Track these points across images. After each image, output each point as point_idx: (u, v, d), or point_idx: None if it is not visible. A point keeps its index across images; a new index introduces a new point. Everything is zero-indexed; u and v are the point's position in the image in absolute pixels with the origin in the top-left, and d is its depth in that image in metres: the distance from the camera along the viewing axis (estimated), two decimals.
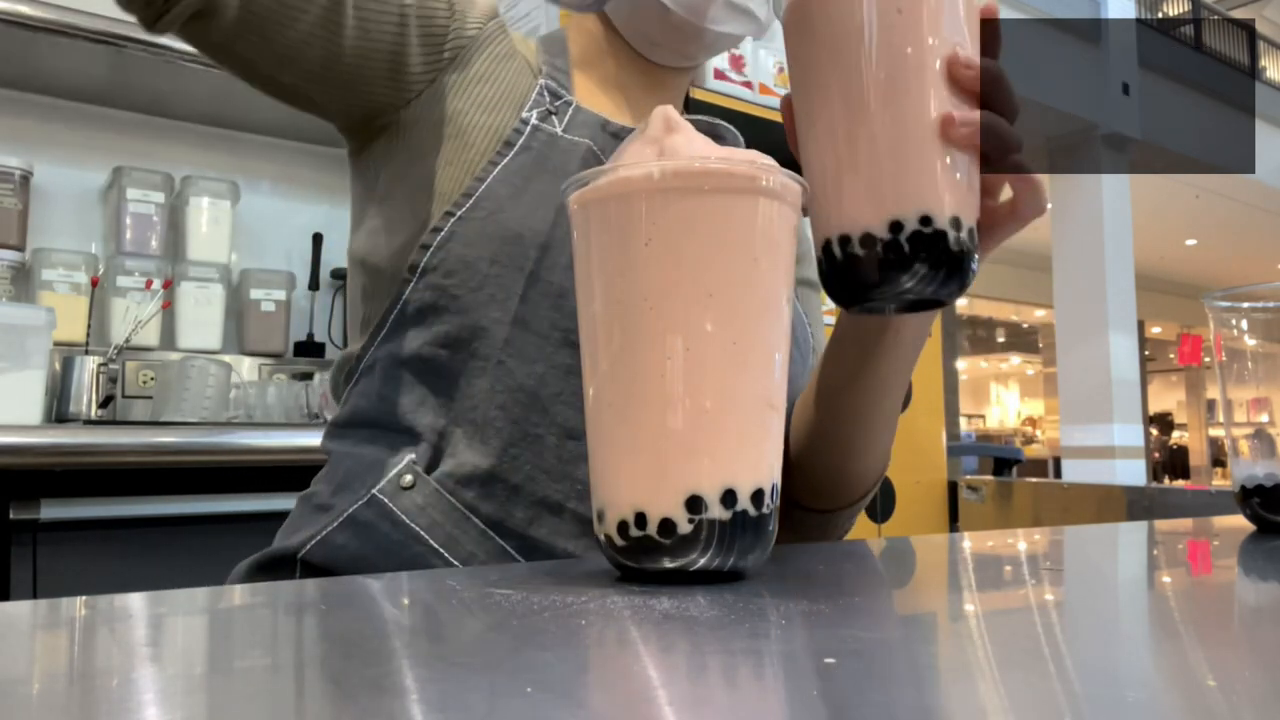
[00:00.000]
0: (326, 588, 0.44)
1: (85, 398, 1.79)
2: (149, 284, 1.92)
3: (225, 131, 2.13)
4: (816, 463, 0.69)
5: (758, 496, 0.43)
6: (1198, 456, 15.18)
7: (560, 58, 0.81)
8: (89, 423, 1.71)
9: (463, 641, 0.33)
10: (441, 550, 0.65)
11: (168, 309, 1.96)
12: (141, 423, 1.73)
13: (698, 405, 0.42)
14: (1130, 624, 0.40)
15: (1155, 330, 14.51)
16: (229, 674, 0.28)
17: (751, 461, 0.43)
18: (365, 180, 0.77)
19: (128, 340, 1.87)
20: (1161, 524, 0.81)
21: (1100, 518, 2.34)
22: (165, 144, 2.06)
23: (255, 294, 2.09)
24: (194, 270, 2.00)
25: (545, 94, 0.76)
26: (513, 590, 0.41)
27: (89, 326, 1.88)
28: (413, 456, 0.67)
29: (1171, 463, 14.86)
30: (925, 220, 0.46)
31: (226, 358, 1.94)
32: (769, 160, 0.45)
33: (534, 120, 0.74)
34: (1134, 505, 2.31)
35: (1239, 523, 0.72)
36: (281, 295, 2.12)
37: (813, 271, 0.87)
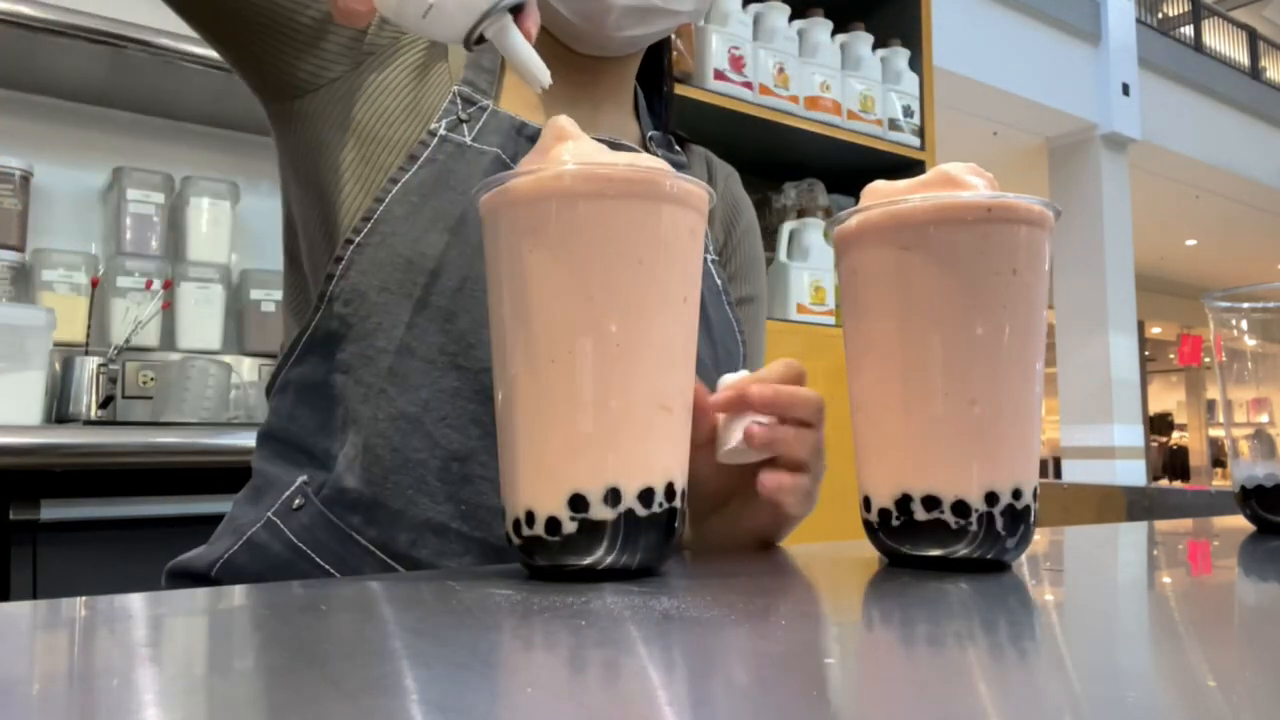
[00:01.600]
0: (326, 588, 0.44)
1: (85, 398, 1.79)
2: (149, 284, 1.92)
3: (225, 131, 2.13)
4: None
5: (646, 495, 0.44)
6: (1198, 457, 15.18)
7: (491, 52, 0.77)
8: (89, 423, 1.71)
9: (463, 641, 0.33)
10: (330, 570, 0.66)
11: (168, 309, 1.96)
12: (141, 423, 1.73)
13: (581, 406, 0.43)
14: (1130, 624, 0.40)
15: (1155, 330, 14.51)
16: (229, 674, 0.28)
17: (638, 461, 0.44)
18: (286, 176, 0.76)
19: (128, 341, 1.87)
20: (1161, 524, 0.81)
21: (1100, 518, 2.34)
22: (165, 144, 2.06)
23: (255, 294, 2.09)
24: (194, 270, 2.00)
25: (458, 101, 0.73)
26: (513, 590, 0.41)
27: (89, 327, 1.88)
28: (304, 478, 0.68)
29: (1171, 463, 14.86)
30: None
31: (226, 358, 1.94)
32: (664, 166, 0.46)
33: (442, 131, 0.72)
34: (1134, 505, 2.31)
35: (1239, 523, 0.72)
36: (281, 295, 2.12)
37: (753, 288, 0.87)
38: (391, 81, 0.73)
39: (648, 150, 0.83)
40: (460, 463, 0.67)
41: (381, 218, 0.68)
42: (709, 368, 0.75)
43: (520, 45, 0.53)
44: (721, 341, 0.79)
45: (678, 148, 0.87)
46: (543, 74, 0.53)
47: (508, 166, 0.71)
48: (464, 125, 0.72)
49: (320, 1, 0.70)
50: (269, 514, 0.68)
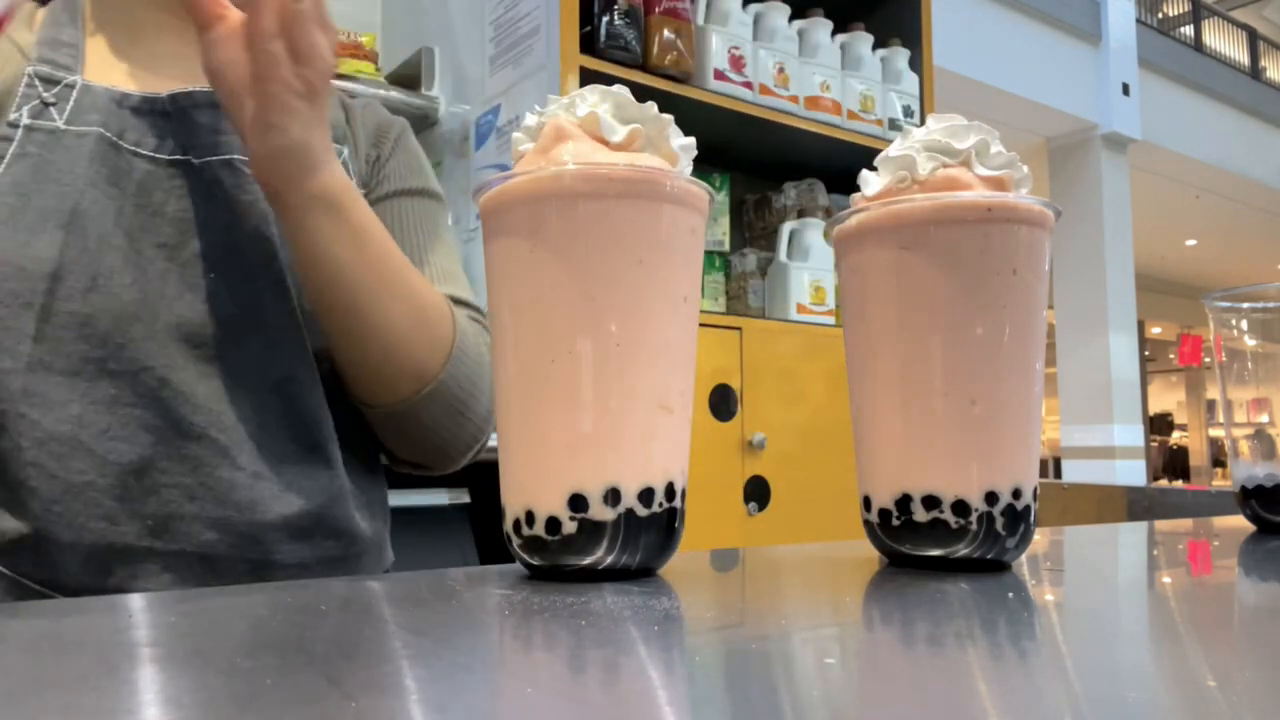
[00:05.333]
0: (326, 588, 0.44)
1: None
2: None
3: None
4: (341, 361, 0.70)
5: (646, 495, 0.44)
6: (1198, 457, 15.17)
7: (69, 25, 0.70)
8: None
9: (463, 642, 0.33)
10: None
11: None
12: None
13: (581, 406, 0.43)
14: (1130, 624, 0.40)
15: (1155, 330, 14.50)
16: (229, 674, 0.28)
17: (638, 461, 0.44)
18: None
19: None
20: (1161, 524, 0.81)
21: (1100, 518, 2.35)
22: None
23: None
24: None
25: (36, 83, 0.65)
26: (513, 590, 0.41)
27: None
28: None
29: (1171, 463, 14.86)
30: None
31: None
32: (664, 166, 0.46)
33: (25, 120, 0.64)
34: (1134, 505, 2.31)
35: (1239, 523, 0.72)
36: None
37: (423, 181, 0.82)
38: None
39: None
40: (137, 475, 0.62)
41: None
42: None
43: None
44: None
45: None
46: None
47: (114, 146, 0.66)
48: (51, 109, 0.65)
49: None
50: None
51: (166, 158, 0.68)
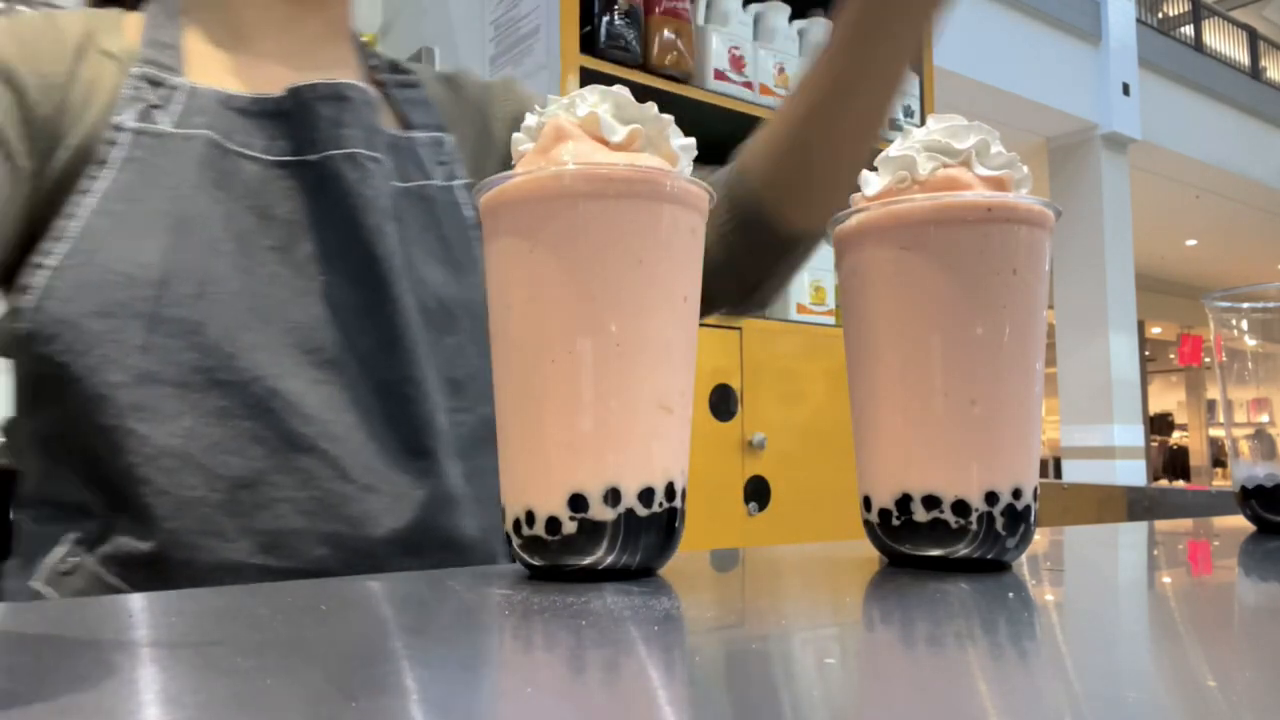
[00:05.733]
0: (326, 588, 0.44)
1: None
2: None
3: None
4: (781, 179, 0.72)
5: (646, 495, 0.44)
6: (1198, 457, 15.17)
7: (168, 25, 0.69)
8: None
9: (463, 641, 0.33)
10: None
11: None
12: None
13: (581, 406, 0.43)
14: (1130, 624, 0.40)
15: (1155, 330, 14.50)
16: (229, 674, 0.28)
17: (638, 461, 0.44)
18: None
19: None
20: (1161, 524, 0.81)
21: (1100, 518, 2.35)
22: None
23: None
24: None
25: (144, 85, 0.64)
26: (513, 590, 0.41)
27: None
28: (78, 535, 0.60)
29: (1171, 463, 14.86)
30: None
31: None
32: (664, 166, 0.46)
33: (132, 123, 0.63)
34: (1134, 505, 2.31)
35: (1239, 523, 0.72)
36: None
37: None
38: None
39: (375, 82, 0.78)
40: (249, 489, 0.60)
41: (82, 233, 0.60)
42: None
43: None
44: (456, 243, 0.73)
45: (403, 70, 0.81)
46: None
47: (222, 149, 0.65)
48: (156, 111, 0.64)
49: None
50: (34, 583, 0.59)
51: (276, 159, 0.67)
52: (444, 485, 0.67)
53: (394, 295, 0.67)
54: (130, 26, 0.70)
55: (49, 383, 0.59)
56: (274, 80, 0.70)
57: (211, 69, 0.70)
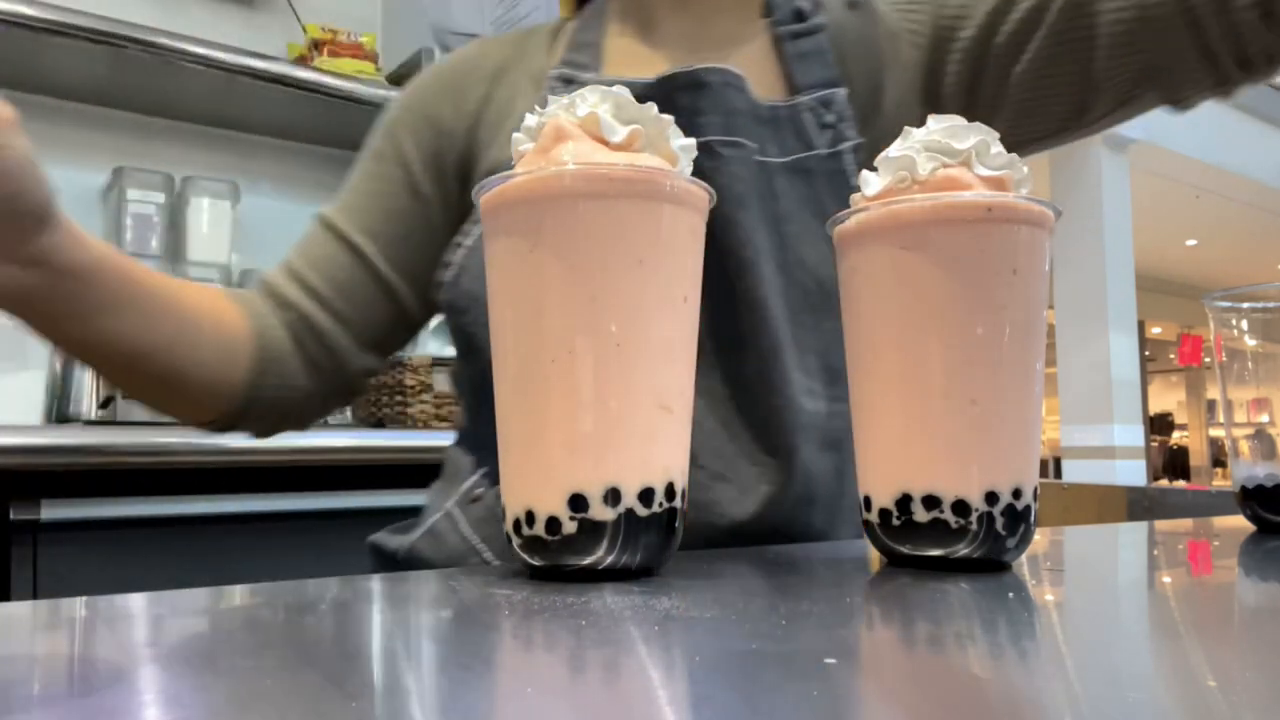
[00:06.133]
0: (326, 588, 0.44)
1: (85, 398, 1.79)
2: None
3: (225, 132, 2.13)
4: None
5: (646, 495, 0.44)
6: (1198, 457, 15.17)
7: (592, 28, 0.74)
8: (89, 423, 1.71)
9: (463, 641, 0.33)
10: (495, 562, 0.64)
11: None
12: (142, 423, 1.73)
13: (581, 406, 0.43)
14: (1130, 624, 0.40)
15: (1155, 330, 14.50)
16: (229, 674, 0.28)
17: (638, 461, 0.44)
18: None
19: None
20: (1161, 524, 0.81)
21: (1100, 518, 2.35)
22: (165, 144, 2.06)
23: None
24: (194, 270, 2.00)
25: (559, 85, 0.69)
26: (513, 590, 0.41)
27: None
28: (487, 469, 0.68)
29: (1171, 463, 14.85)
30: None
31: None
32: (664, 166, 0.45)
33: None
34: (1134, 505, 2.31)
35: (1239, 523, 0.72)
36: None
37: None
38: (491, 138, 0.72)
39: (777, 48, 0.75)
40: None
41: None
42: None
43: None
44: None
45: (809, 18, 0.76)
46: None
47: None
48: None
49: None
50: (449, 504, 0.69)
51: None
52: (796, 481, 0.66)
53: (747, 286, 0.66)
54: (563, 38, 0.74)
55: (469, 343, 0.69)
56: (669, 64, 0.70)
57: (625, 60, 0.72)
